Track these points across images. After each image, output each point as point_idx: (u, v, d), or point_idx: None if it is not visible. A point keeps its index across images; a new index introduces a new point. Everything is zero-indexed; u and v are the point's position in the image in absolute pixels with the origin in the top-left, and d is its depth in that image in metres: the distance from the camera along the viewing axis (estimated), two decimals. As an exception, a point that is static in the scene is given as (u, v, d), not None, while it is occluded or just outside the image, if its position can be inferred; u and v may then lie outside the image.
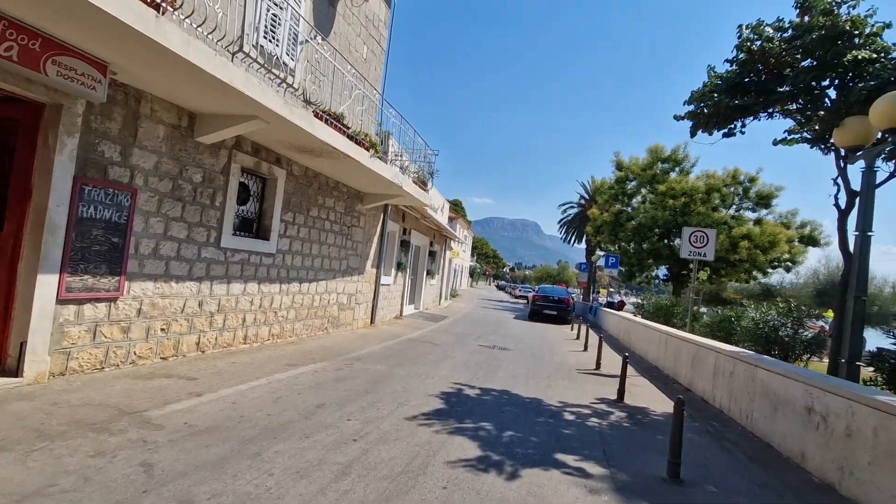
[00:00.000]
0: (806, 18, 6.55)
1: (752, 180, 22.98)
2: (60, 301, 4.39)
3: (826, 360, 11.08)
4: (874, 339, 18.88)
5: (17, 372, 4.14)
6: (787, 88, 6.76)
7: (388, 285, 12.59)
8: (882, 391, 3.93)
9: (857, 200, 5.41)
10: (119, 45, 3.98)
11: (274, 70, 5.81)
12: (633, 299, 55.20)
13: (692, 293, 10.59)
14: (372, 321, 11.26)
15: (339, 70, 7.43)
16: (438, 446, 3.99)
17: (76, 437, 3.34)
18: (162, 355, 5.54)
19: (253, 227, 7.13)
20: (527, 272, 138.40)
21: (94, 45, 4.02)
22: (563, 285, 51.24)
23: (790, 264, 22.33)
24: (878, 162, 6.90)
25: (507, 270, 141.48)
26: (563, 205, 48.34)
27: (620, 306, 26.91)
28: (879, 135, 5.93)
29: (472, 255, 71.93)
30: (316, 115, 6.25)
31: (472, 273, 70.67)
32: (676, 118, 8.02)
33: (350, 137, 6.98)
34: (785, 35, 6.81)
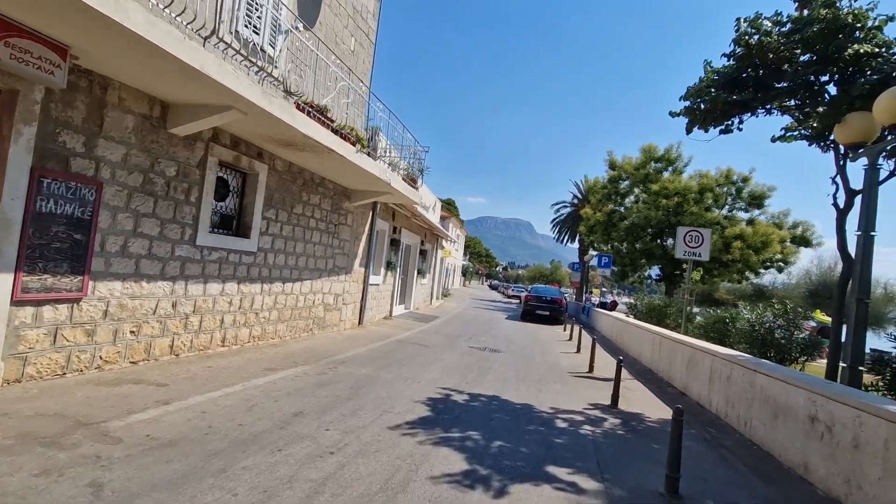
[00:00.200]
0: (805, 12, 6.36)
1: (745, 180, 22.95)
2: (16, 302, 4.07)
3: (820, 361, 10.96)
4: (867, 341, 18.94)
5: (-36, 379, 3.82)
6: (786, 84, 6.57)
7: (378, 285, 12.31)
8: (889, 399, 3.73)
9: (860, 199, 5.22)
10: (78, 27, 3.67)
11: (251, 57, 5.50)
12: (625, 299, 55.29)
13: (686, 294, 10.40)
14: (360, 322, 10.97)
15: (323, 60, 7.12)
16: (422, 459, 3.73)
17: (22, 452, 3.03)
18: (132, 359, 5.22)
19: (232, 224, 6.82)
20: (520, 271, 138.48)
21: (51, 26, 3.71)
22: (556, 285, 51.18)
23: (782, 265, 22.32)
24: (880, 159, 6.74)
25: (500, 270, 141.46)
26: (556, 204, 48.27)
27: (613, 306, 26.80)
28: (884, 132, 5.79)
29: (465, 255, 71.71)
30: (298, 107, 5.96)
31: (464, 272, 70.46)
32: (672, 115, 7.81)
33: (335, 131, 6.69)
34: (783, 29, 6.62)
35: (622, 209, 25.36)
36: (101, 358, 4.87)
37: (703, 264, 20.15)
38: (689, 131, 7.50)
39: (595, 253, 27.63)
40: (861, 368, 5.03)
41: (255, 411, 4.37)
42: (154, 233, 5.31)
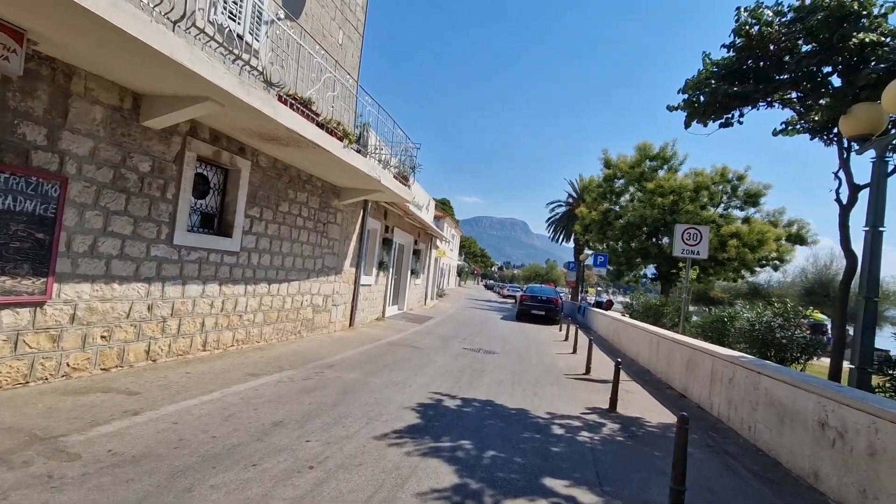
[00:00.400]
0: (808, 0, 6.14)
1: (741, 178, 22.83)
2: (-30, 307, 3.77)
3: (823, 360, 10.79)
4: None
5: (-90, 391, 3.52)
6: (788, 76, 6.35)
7: (369, 285, 12.02)
8: None
9: (868, 193, 5.01)
10: (34, 8, 3.39)
11: (226, 44, 5.20)
12: (620, 298, 55.23)
13: (685, 293, 10.19)
14: (351, 323, 10.68)
15: (306, 50, 6.83)
16: (409, 473, 3.46)
17: (-36, 473, 2.74)
18: (103, 366, 4.92)
19: (214, 223, 6.52)
20: (515, 271, 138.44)
21: (3, 6, 3.41)
22: (552, 284, 51.03)
23: (778, 263, 22.23)
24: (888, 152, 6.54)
25: (496, 270, 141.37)
26: (551, 203, 48.08)
27: (609, 306, 26.64)
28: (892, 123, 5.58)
29: (460, 255, 71.45)
30: (280, 99, 5.68)
31: (460, 272, 70.21)
32: (670, 109, 7.59)
33: (320, 125, 6.41)
34: (785, 19, 6.40)
35: (617, 208, 25.19)
36: (68, 365, 4.56)
37: (699, 263, 20.02)
38: (687, 125, 7.28)
39: (590, 252, 27.50)
40: (870, 370, 4.83)
41: (231, 421, 4.09)
42: (127, 231, 5.01)
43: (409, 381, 6.41)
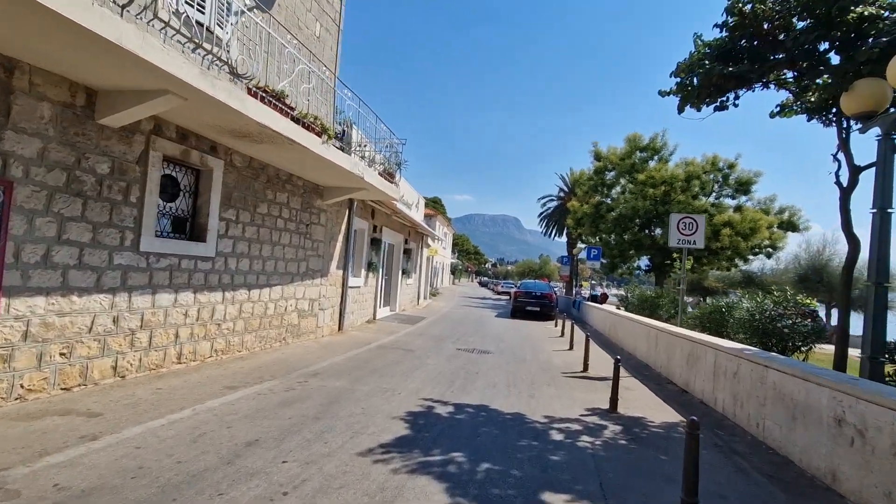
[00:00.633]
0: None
1: (731, 167, 22.71)
2: None
3: (824, 348, 10.59)
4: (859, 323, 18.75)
5: None
6: (784, 55, 6.08)
7: (358, 287, 11.66)
8: None
9: (873, 174, 4.74)
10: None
11: (190, 34, 4.83)
12: (614, 291, 55.20)
13: (682, 284, 9.95)
14: (340, 327, 10.32)
15: (278, 41, 6.45)
16: (394, 494, 3.14)
17: None
18: (63, 385, 4.54)
19: (186, 227, 6.14)
20: (509, 267, 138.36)
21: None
22: (546, 279, 50.93)
23: (771, 250, 22.15)
24: (877, 132, 6.30)
25: (490, 266, 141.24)
26: (543, 198, 47.89)
27: (603, 299, 26.47)
28: None
29: (454, 253, 71.13)
30: (250, 93, 5.31)
31: (453, 270, 69.90)
32: (662, 94, 7.31)
33: (296, 120, 6.05)
34: (779, -4, 6.14)
35: (609, 200, 25.00)
36: (22, 387, 4.18)
37: (693, 253, 19.85)
38: (681, 110, 7.00)
39: (583, 246, 27.28)
40: (883, 359, 4.58)
41: (201, 442, 3.74)
42: (85, 239, 4.63)
43: (398, 387, 6.08)
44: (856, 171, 6.37)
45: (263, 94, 5.42)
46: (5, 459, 3.14)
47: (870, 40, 5.39)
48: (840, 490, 3.65)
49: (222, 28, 5.87)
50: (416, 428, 4.54)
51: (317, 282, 9.17)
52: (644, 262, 26.05)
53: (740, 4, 6.17)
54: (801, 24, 6.05)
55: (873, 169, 6.62)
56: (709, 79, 6.16)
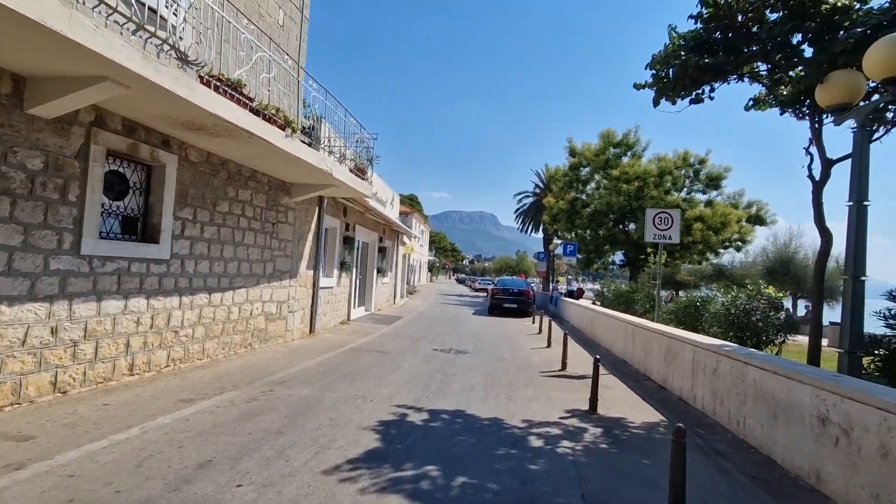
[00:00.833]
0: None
1: (702, 162, 23.13)
2: None
3: (797, 339, 10.76)
4: (826, 314, 19.32)
5: None
6: (758, 47, 6.02)
7: (331, 288, 11.27)
8: None
9: (847, 167, 4.69)
10: None
11: (122, 9, 4.37)
12: (590, 286, 55.96)
13: (658, 278, 9.93)
14: (311, 330, 9.93)
15: (234, 26, 6.02)
16: (360, 519, 2.86)
17: None
18: (-8, 405, 4.08)
19: (137, 227, 5.68)
20: (486, 264, 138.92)
21: None
22: (523, 276, 51.16)
23: (740, 244, 22.66)
24: (850, 124, 6.32)
25: (467, 263, 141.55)
26: (519, 194, 48.00)
27: (580, 294, 26.66)
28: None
29: (431, 250, 70.83)
30: (202, 81, 4.91)
31: (430, 268, 69.63)
32: (637, 87, 7.19)
33: (255, 112, 5.66)
34: (752, -13, 6.06)
35: (584, 196, 25.15)
36: (-60, 409, 3.72)
37: (666, 247, 20.13)
38: (656, 103, 6.88)
39: (560, 241, 27.39)
40: (860, 353, 4.54)
41: (146, 466, 3.37)
42: (15, 242, 4.16)
43: (371, 393, 5.78)
44: (828, 164, 6.38)
45: (217, 83, 5.02)
46: None
47: (841, 32, 5.37)
48: (825, 491, 3.55)
49: (175, 14, 5.42)
50: (387, 439, 4.26)
51: (285, 283, 8.75)
52: (619, 257, 26.36)
53: (714, -5, 6.08)
54: (774, 16, 6.00)
55: (845, 162, 6.69)
56: (684, 70, 6.05)
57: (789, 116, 6.71)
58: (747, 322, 7.88)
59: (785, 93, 6.63)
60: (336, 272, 11.64)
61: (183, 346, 6.27)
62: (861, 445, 3.25)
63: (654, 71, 6.73)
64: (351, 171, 9.16)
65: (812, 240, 24.16)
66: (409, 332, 12.13)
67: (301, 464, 3.60)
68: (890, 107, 5.96)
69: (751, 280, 9.28)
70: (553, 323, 12.36)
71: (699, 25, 6.42)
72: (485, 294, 35.04)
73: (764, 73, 6.53)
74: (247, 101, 5.44)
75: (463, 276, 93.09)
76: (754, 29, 6.08)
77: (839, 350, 4.61)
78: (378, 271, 16.74)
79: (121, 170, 5.42)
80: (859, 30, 4.85)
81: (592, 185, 25.19)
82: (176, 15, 5.44)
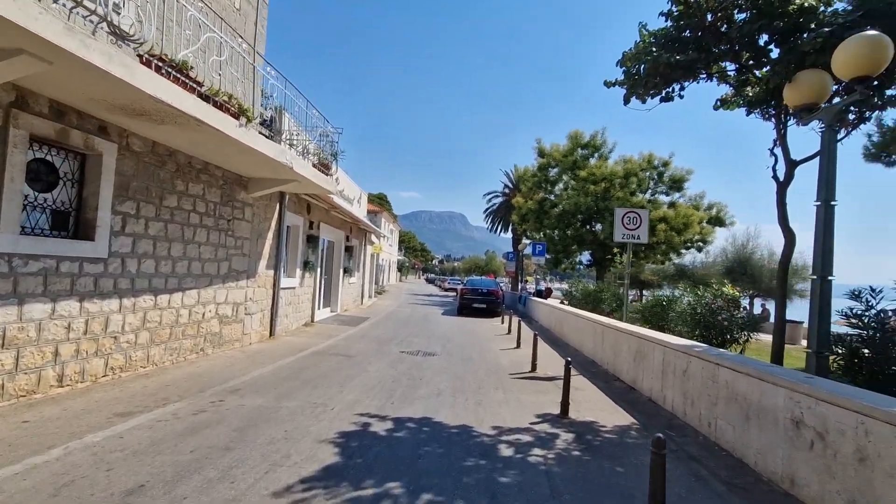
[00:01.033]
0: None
1: (666, 164, 23.68)
2: None
3: (760, 337, 11.00)
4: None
5: None
6: (727, 46, 6.02)
7: (293, 288, 10.76)
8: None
9: (819, 166, 4.68)
10: None
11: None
12: (557, 285, 56.73)
13: (626, 278, 9.95)
14: (271, 333, 9.42)
15: (181, 3, 5.52)
16: (312, 550, 2.53)
17: None
18: None
19: (69, 222, 5.12)
20: (455, 264, 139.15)
21: None
22: (492, 276, 51.34)
23: (701, 244, 23.34)
24: (816, 125, 6.40)
25: (437, 263, 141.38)
26: (488, 194, 48.11)
27: (548, 294, 26.85)
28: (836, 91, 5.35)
29: (400, 250, 70.19)
30: (143, 61, 4.43)
31: (400, 267, 69.00)
32: (607, 84, 7.10)
33: (205, 98, 5.20)
34: (721, -13, 6.05)
35: (553, 196, 25.34)
36: None
37: (632, 247, 20.49)
38: (626, 101, 6.80)
39: (528, 241, 27.53)
40: (828, 353, 4.53)
41: (63, 496, 2.93)
42: (-89, 238, 3.60)
43: (332, 400, 5.43)
44: (792, 165, 6.45)
45: (160, 64, 4.55)
46: None
47: (805, 35, 5.40)
48: (800, 496, 3.46)
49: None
50: (347, 453, 3.93)
51: (242, 283, 8.23)
52: (586, 257, 26.71)
53: (685, -7, 6.03)
54: (741, 16, 6.01)
55: (809, 163, 6.80)
56: (656, 67, 5.98)
57: (755, 118, 6.76)
58: (713, 321, 7.95)
59: (751, 94, 6.68)
60: (299, 272, 11.13)
61: (124, 352, 5.72)
62: (837, 450, 3.16)
63: (625, 68, 6.66)
64: (314, 165, 8.73)
65: (767, 240, 25.16)
66: (376, 333, 11.75)
67: (248, 485, 3.23)
68: (851, 108, 6.07)
69: (716, 280, 9.41)
70: (522, 323, 12.25)
71: (670, 24, 6.38)
72: (454, 294, 34.89)
73: (732, 72, 6.55)
74: (194, 86, 4.98)
75: (432, 276, 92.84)
76: (723, 28, 6.07)
77: (807, 350, 4.59)
78: (345, 271, 16.25)
79: (49, 158, 4.86)
80: (826, 30, 4.86)
81: (561, 185, 25.41)
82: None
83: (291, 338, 9.83)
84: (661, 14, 6.34)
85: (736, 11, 6.00)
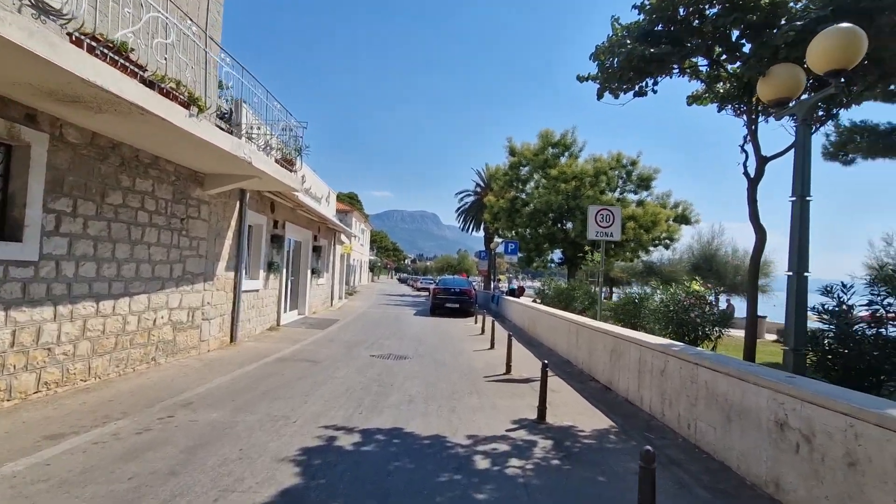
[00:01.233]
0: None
1: (634, 163, 24.07)
2: None
3: (731, 333, 11.15)
4: (743, 307, 20.68)
5: None
6: (700, 40, 5.95)
7: (256, 291, 10.22)
8: (890, 402, 3.00)
9: (794, 161, 4.63)
10: None
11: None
12: (529, 283, 57.18)
13: (599, 276, 9.88)
14: (232, 339, 8.89)
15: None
16: None
17: None
18: None
19: (-9, 221, 4.56)
20: (428, 263, 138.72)
21: None
22: (464, 275, 51.26)
23: (669, 241, 23.83)
24: (785, 122, 6.42)
25: (409, 263, 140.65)
26: (460, 193, 47.93)
27: (521, 292, 26.89)
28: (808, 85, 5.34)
29: (372, 250, 69.26)
30: (72, 40, 3.95)
31: (372, 268, 68.11)
32: (580, 79, 6.97)
33: (149, 84, 4.72)
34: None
35: (524, 195, 25.39)
36: None
37: (599, 244, 20.70)
38: (600, 96, 6.69)
39: (501, 240, 27.48)
40: (805, 351, 4.48)
41: (-35, 542, 2.48)
42: None
43: (294, 412, 5.04)
44: (763, 161, 6.47)
45: (93, 44, 4.07)
46: None
47: (775, 30, 5.38)
48: (786, 500, 3.34)
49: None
50: (309, 472, 3.58)
51: (198, 287, 7.69)
52: (557, 255, 26.90)
53: (658, -15, 5.93)
54: (713, 11, 5.96)
55: (774, 162, 6.84)
56: (630, 61, 5.86)
57: (726, 114, 6.77)
58: (686, 318, 7.94)
59: (721, 91, 6.67)
60: (263, 273, 10.59)
61: (60, 365, 5.17)
62: (825, 453, 3.04)
63: (598, 62, 6.52)
64: (277, 161, 8.27)
65: (731, 237, 25.96)
66: (346, 336, 11.33)
67: (193, 518, 2.85)
68: (819, 104, 6.12)
69: (688, 277, 9.45)
70: (496, 323, 12.08)
71: (642, 17, 6.28)
72: (427, 293, 34.58)
73: (704, 67, 6.51)
74: (136, 70, 4.50)
75: (405, 275, 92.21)
76: (695, 23, 6.01)
77: (784, 347, 4.53)
78: (312, 272, 15.70)
79: (-36, 148, 4.29)
80: (799, 23, 4.82)
81: (532, 184, 25.48)
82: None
83: (254, 343, 9.31)
84: (634, 7, 6.23)
85: (708, 6, 5.95)
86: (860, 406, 2.83)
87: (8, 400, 4.61)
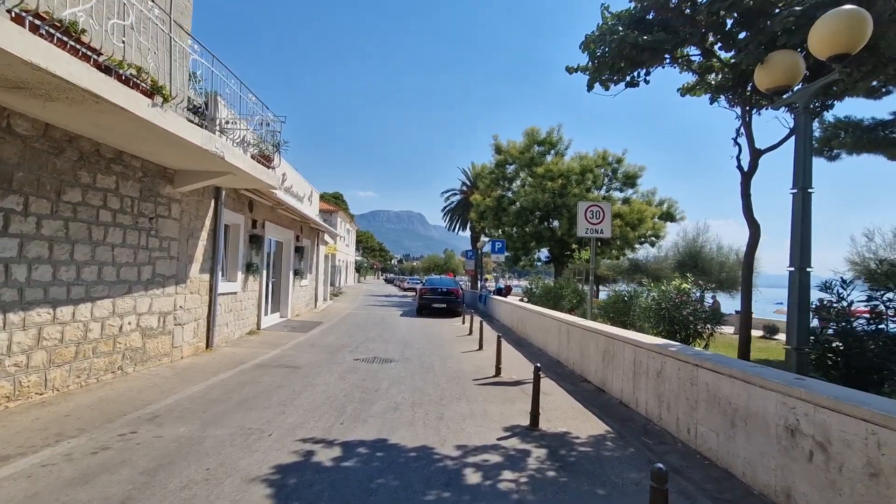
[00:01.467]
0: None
1: (619, 161, 24.04)
2: None
3: (723, 330, 11.04)
4: (728, 304, 20.74)
5: None
6: (693, 29, 5.75)
7: (234, 293, 9.79)
8: None
9: (794, 152, 4.43)
10: None
11: None
12: (516, 282, 57.16)
13: (591, 274, 9.68)
14: (208, 344, 8.45)
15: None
16: None
17: None
18: None
19: (-74, 221, 4.11)
20: (414, 263, 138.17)
21: None
22: (451, 274, 50.99)
23: (654, 239, 23.87)
24: (780, 113, 6.25)
25: (395, 263, 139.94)
26: (446, 192, 47.64)
27: (508, 291, 26.71)
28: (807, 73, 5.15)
29: (358, 250, 68.55)
30: (13, 18, 3.55)
31: (358, 268, 67.43)
32: (569, 70, 6.72)
33: (105, 69, 4.32)
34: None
35: (510, 194, 25.21)
36: None
37: (588, 243, 20.60)
38: (590, 87, 6.45)
39: (487, 239, 27.27)
40: (808, 349, 4.28)
41: None
42: None
43: (270, 425, 4.69)
44: (757, 154, 6.30)
45: (37, 23, 3.66)
46: None
47: (768, 22, 5.19)
48: (798, 513, 3.11)
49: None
50: (282, 494, 3.24)
51: (170, 290, 7.26)
52: (544, 253, 26.77)
53: (649, -29, 5.71)
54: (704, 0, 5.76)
55: (770, 154, 6.69)
56: (621, 48, 5.62)
57: (717, 106, 6.59)
58: (678, 316, 7.76)
59: (714, 82, 6.48)
60: (241, 275, 10.15)
61: (11, 378, 4.73)
62: (842, 463, 2.82)
63: (588, 51, 6.28)
64: (254, 157, 7.86)
65: (716, 234, 26.06)
66: (329, 340, 10.94)
67: (145, 555, 2.50)
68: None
69: (677, 275, 9.30)
70: (484, 323, 11.81)
71: (633, 5, 6.05)
72: (413, 293, 34.22)
73: (696, 58, 6.32)
74: (88, 53, 4.10)
75: (391, 275, 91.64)
76: (686, 11, 5.80)
77: (786, 346, 4.33)
78: (295, 273, 15.24)
79: None
80: (798, 9, 4.63)
81: (518, 182, 25.31)
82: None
83: (232, 349, 8.88)
84: (625, -7, 6.00)
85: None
86: (884, 412, 2.60)
87: (-51, 418, 4.18)
